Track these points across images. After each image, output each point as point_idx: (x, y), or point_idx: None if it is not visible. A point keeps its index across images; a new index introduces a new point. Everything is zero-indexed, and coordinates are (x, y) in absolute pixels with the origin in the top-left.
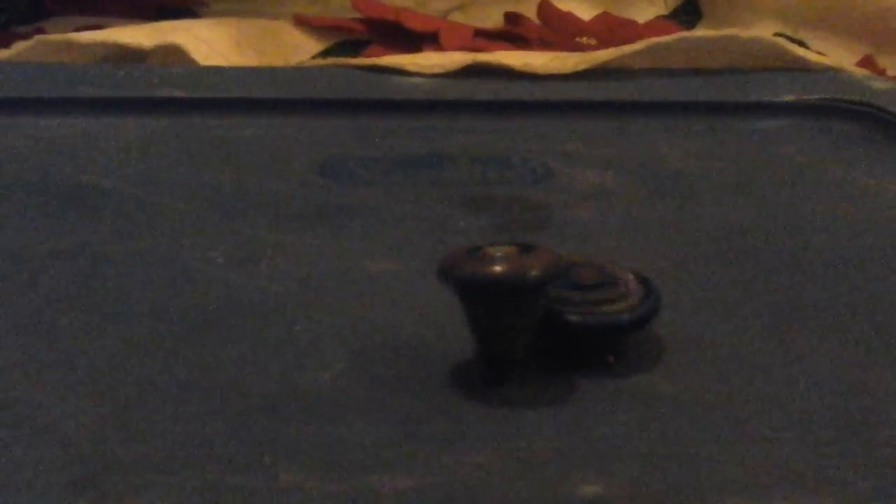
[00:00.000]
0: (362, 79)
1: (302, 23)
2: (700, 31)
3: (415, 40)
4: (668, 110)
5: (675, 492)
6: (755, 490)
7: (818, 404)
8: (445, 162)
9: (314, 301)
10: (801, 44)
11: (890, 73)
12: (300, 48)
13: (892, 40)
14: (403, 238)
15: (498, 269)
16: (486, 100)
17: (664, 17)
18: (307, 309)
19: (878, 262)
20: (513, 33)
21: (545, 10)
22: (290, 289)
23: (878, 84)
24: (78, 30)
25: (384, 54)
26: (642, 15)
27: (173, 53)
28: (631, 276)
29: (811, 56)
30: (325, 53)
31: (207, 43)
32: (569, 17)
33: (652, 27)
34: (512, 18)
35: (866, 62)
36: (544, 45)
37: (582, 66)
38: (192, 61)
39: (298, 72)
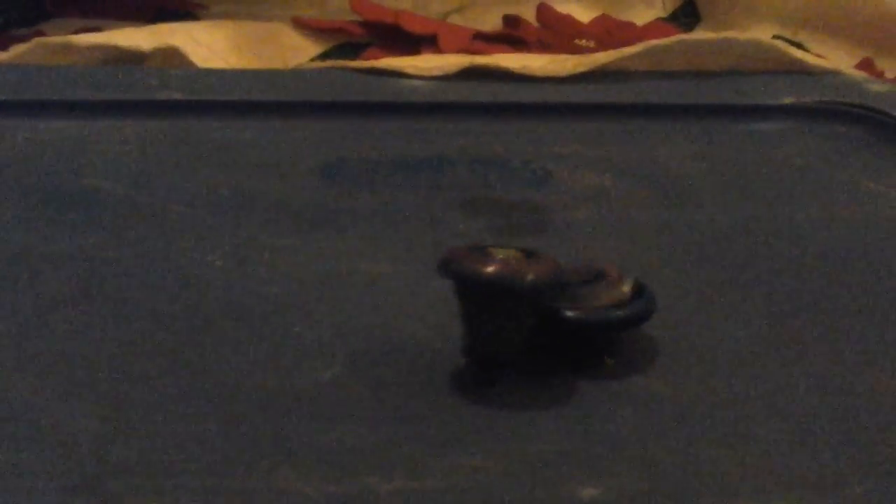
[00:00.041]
0: (361, 81)
1: (301, 25)
2: (699, 34)
3: (413, 43)
4: (667, 113)
5: (674, 494)
6: (753, 491)
7: (816, 407)
8: (444, 164)
9: (313, 303)
10: (800, 46)
11: (888, 75)
12: (299, 51)
13: (890, 43)
14: (402, 240)
15: (494, 269)
16: (484, 102)
17: (663, 19)
18: (306, 311)
19: (875, 264)
20: (511, 36)
21: (544, 12)
22: (288, 291)
23: (877, 87)
24: (77, 32)
25: (383, 57)
26: (641, 17)
27: (172, 56)
28: (626, 277)
29: (810, 59)
30: (323, 56)
31: (206, 46)
32: (567, 20)
33: (650, 30)
34: (511, 21)
35: (865, 65)
36: (543, 47)
37: (580, 69)
38: (190, 64)
39: (297, 74)
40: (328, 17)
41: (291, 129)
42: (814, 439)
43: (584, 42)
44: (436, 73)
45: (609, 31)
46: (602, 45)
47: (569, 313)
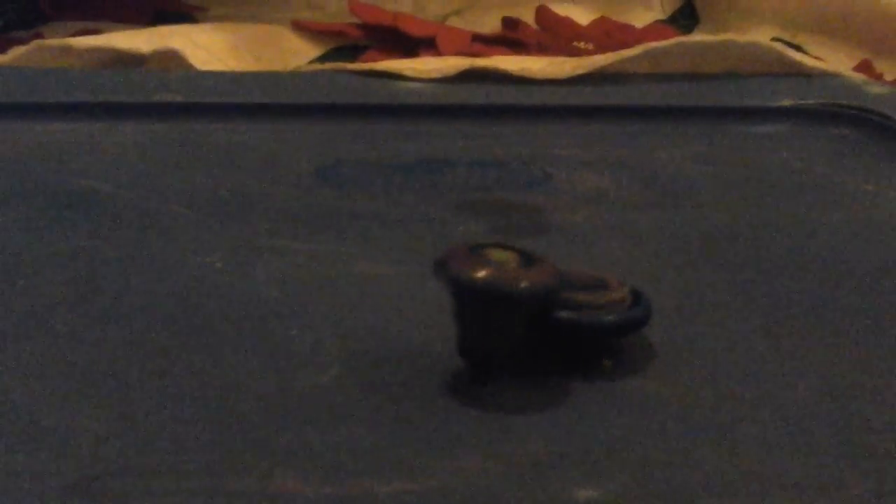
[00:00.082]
0: (360, 84)
1: (300, 28)
2: (698, 36)
3: (412, 45)
4: (666, 115)
5: (670, 495)
6: (750, 493)
7: (812, 408)
8: (443, 166)
9: (311, 305)
10: (799, 49)
11: (887, 77)
12: (298, 53)
13: (889, 45)
14: (401, 242)
15: (487, 275)
16: (483, 104)
17: (662, 21)
18: (304, 313)
19: (873, 266)
20: (510, 38)
21: (543, 14)
22: (287, 292)
23: (876, 89)
24: (76, 35)
25: (382, 59)
26: (640, 20)
27: (171, 59)
28: (623, 284)
29: (808, 61)
30: (322, 58)
31: (205, 48)
32: (566, 22)
33: (649, 32)
34: (510, 23)
35: (864, 67)
36: (542, 49)
37: (579, 71)
38: (189, 66)
39: (296, 76)
40: (327, 20)
41: (290, 131)
42: (811, 441)
43: (582, 44)
44: (434, 75)
45: (608, 34)
46: (601, 48)
47: (562, 314)
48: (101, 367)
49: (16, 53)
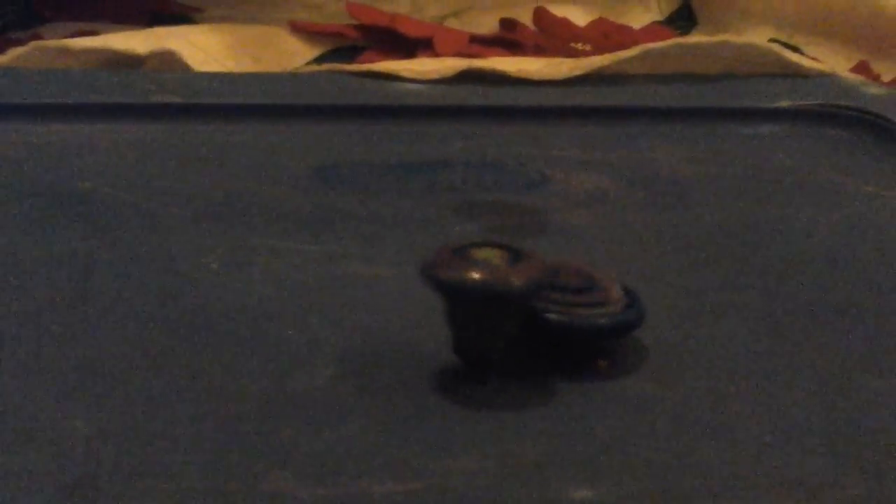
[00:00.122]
0: (357, 85)
1: (297, 29)
2: (695, 37)
3: (410, 46)
4: (663, 116)
5: (665, 496)
6: (745, 493)
7: (807, 409)
8: (440, 167)
9: (307, 306)
10: (796, 50)
11: (885, 78)
12: (295, 54)
13: (886, 46)
14: (398, 243)
15: (479, 277)
16: (480, 105)
17: (659, 22)
18: (300, 314)
19: (870, 266)
20: (508, 39)
21: (541, 16)
22: (283, 294)
23: (873, 90)
24: (73, 36)
25: (379, 60)
26: (638, 21)
27: (168, 60)
28: (617, 285)
29: (806, 62)
30: (320, 59)
31: (202, 49)
32: (564, 23)
33: (647, 33)
34: (507, 24)
35: (861, 68)
36: (539, 50)
37: (577, 72)
38: (187, 67)
39: (293, 78)
40: (324, 21)
41: (287, 132)
42: (806, 441)
43: (580, 45)
44: (432, 76)
45: (606, 35)
46: (598, 49)
47: (552, 316)
48: (95, 367)
49: (13, 54)
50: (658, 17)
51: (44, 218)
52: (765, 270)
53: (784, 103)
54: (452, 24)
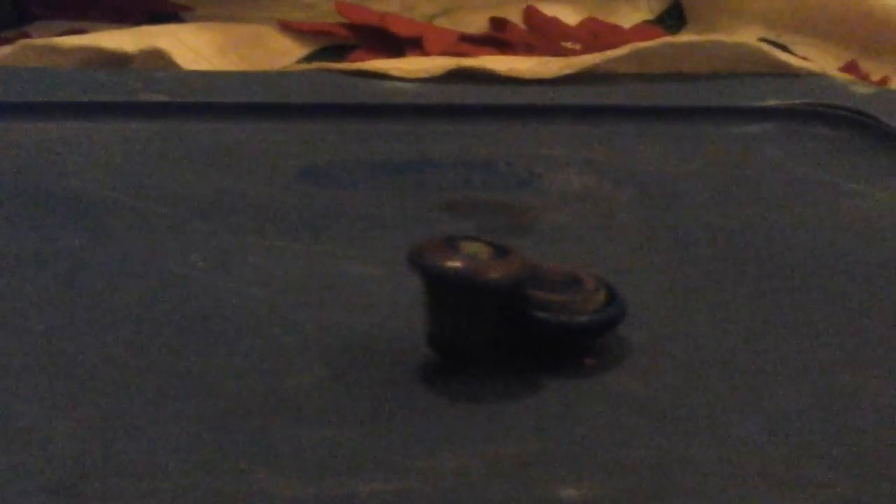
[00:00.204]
0: (347, 83)
1: (286, 28)
2: (685, 37)
3: (399, 45)
4: (652, 115)
5: (654, 494)
6: (733, 492)
7: (796, 406)
8: (429, 166)
9: (296, 305)
10: (785, 49)
11: (873, 77)
12: (285, 53)
13: (875, 45)
14: (386, 242)
15: (458, 265)
16: (470, 104)
17: (649, 22)
18: (288, 313)
19: (858, 265)
20: (498, 38)
21: (531, 15)
22: (271, 293)
23: (862, 89)
24: (62, 34)
25: (369, 59)
26: (628, 20)
27: (157, 58)
28: (598, 283)
29: (795, 61)
30: (309, 58)
31: (191, 48)
32: (554, 23)
33: (637, 32)
34: (497, 23)
35: (850, 67)
36: (529, 49)
37: (567, 71)
38: (175, 66)
39: (283, 76)
40: (314, 20)
41: (276, 131)
42: (794, 439)
43: (570, 44)
44: (421, 75)
45: (596, 34)
46: (588, 48)
47: (534, 314)
48: (82, 365)
49: (1, 53)
50: (648, 17)
51: (30, 216)
52: (753, 268)
53: (773, 102)
54: (442, 22)
